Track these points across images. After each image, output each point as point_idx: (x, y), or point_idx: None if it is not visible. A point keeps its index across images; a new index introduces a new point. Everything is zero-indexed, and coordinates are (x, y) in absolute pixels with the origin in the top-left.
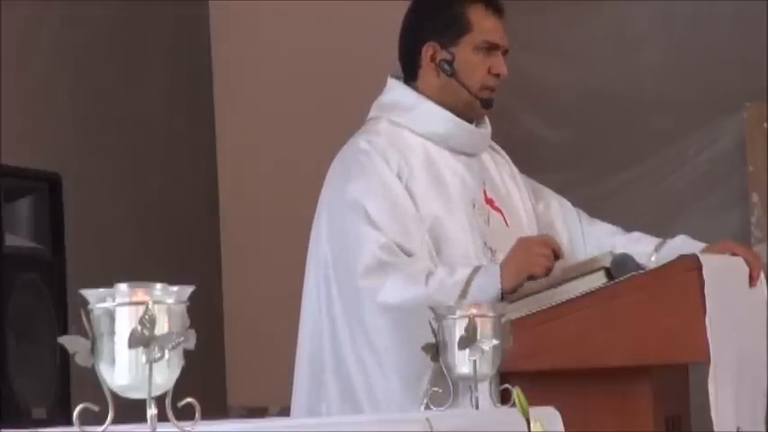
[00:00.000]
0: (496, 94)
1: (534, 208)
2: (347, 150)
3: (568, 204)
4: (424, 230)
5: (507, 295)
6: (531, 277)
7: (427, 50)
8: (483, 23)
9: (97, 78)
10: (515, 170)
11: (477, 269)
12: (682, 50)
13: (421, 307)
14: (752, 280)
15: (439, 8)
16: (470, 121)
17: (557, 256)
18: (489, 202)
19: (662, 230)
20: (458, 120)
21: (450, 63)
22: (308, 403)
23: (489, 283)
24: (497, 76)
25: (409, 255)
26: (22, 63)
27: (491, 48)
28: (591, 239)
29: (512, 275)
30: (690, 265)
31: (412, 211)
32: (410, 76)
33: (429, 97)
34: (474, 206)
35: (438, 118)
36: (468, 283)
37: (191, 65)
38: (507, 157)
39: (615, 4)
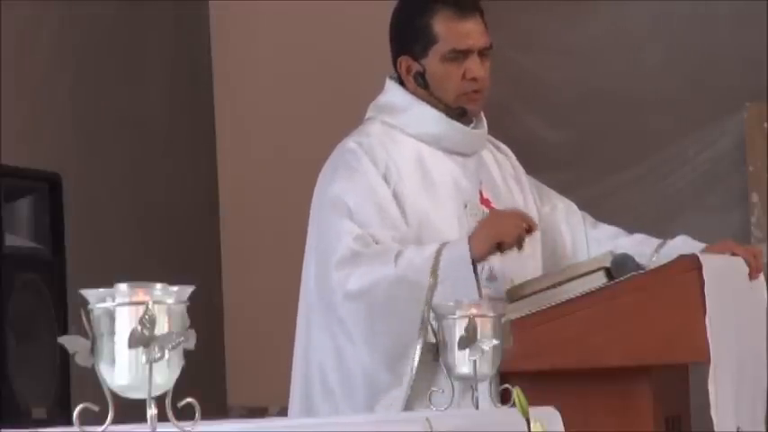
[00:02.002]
0: (482, 95)
1: (539, 210)
2: (336, 151)
3: (574, 207)
4: (410, 232)
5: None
6: (501, 247)
7: (401, 64)
8: (450, 32)
9: (97, 78)
10: (519, 169)
11: (444, 243)
12: (682, 50)
13: (393, 288)
14: (751, 279)
15: (406, 21)
16: (467, 122)
17: (529, 229)
18: (485, 202)
19: (662, 230)
20: (452, 121)
21: (423, 75)
22: (299, 397)
23: (458, 255)
24: (474, 80)
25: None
26: (22, 63)
27: (462, 55)
28: (594, 242)
29: (480, 243)
30: (690, 265)
31: (396, 212)
32: (402, 83)
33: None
34: (466, 206)
35: (431, 119)
36: (437, 257)
37: (191, 65)
38: (512, 156)
39: (615, 3)
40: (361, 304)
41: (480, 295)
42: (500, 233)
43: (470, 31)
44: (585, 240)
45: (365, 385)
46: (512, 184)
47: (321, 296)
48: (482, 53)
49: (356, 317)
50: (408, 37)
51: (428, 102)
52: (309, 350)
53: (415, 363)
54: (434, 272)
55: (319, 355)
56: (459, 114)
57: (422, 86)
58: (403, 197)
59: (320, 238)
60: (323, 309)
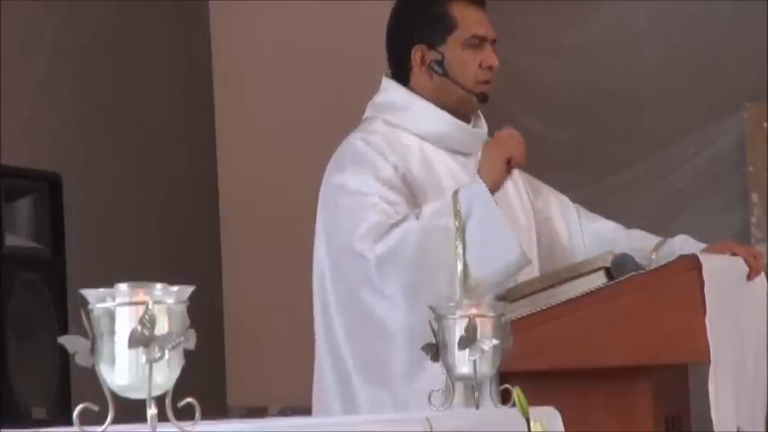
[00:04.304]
0: (492, 86)
1: (532, 204)
2: (341, 149)
3: (567, 200)
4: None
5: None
6: (510, 163)
7: (416, 53)
8: (467, 18)
9: (97, 78)
10: None
11: (456, 190)
12: (682, 50)
13: (422, 240)
14: (750, 279)
15: (422, 9)
16: (467, 120)
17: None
18: None
19: (662, 230)
20: (453, 119)
21: (441, 63)
22: (331, 367)
23: (473, 189)
24: (490, 68)
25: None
26: (22, 63)
27: (479, 41)
28: (590, 235)
29: (490, 168)
30: (690, 265)
31: (408, 194)
32: (401, 79)
33: (424, 98)
34: None
35: (433, 117)
36: (454, 198)
37: (191, 65)
38: None
39: (615, 3)
40: (395, 265)
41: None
42: (505, 149)
43: (485, 21)
44: (581, 233)
45: (410, 353)
46: (507, 182)
47: (353, 273)
48: (492, 44)
49: (393, 278)
50: (424, 26)
51: (433, 97)
52: (337, 336)
53: None
54: (458, 213)
55: (355, 335)
56: (480, 100)
57: (439, 74)
58: (411, 196)
59: (337, 223)
60: (357, 285)
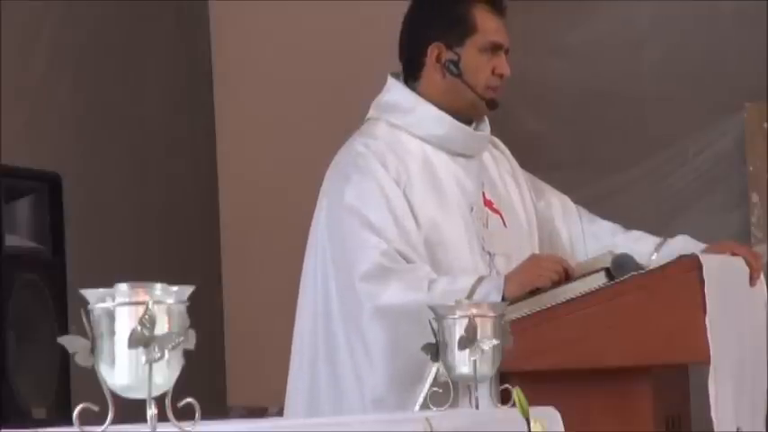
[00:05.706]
0: (501, 93)
1: (535, 205)
2: (344, 153)
3: (569, 202)
4: (421, 238)
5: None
6: (535, 290)
7: (433, 51)
8: (487, 24)
9: (97, 78)
10: (515, 165)
11: (480, 279)
12: (682, 50)
13: (420, 314)
14: (752, 280)
15: (443, 9)
16: (470, 123)
17: (567, 276)
18: (488, 203)
19: (662, 230)
20: (456, 122)
21: (457, 63)
22: (308, 388)
23: (492, 294)
24: (501, 76)
25: (408, 261)
26: (22, 63)
27: (495, 48)
28: (591, 237)
29: (515, 287)
30: (690, 265)
31: (410, 219)
32: (412, 76)
33: (431, 98)
34: (472, 210)
35: (437, 120)
36: (471, 292)
37: (191, 65)
38: (507, 152)
39: (616, 3)
40: (388, 322)
41: None
42: (536, 279)
43: (503, 29)
44: (582, 236)
45: (372, 405)
46: (509, 181)
47: (343, 308)
48: (506, 53)
49: (380, 333)
50: (444, 25)
51: (442, 95)
52: (320, 360)
53: (426, 387)
54: None
55: (331, 363)
56: (489, 106)
57: (454, 74)
58: (412, 202)
59: (339, 249)
60: (343, 320)
